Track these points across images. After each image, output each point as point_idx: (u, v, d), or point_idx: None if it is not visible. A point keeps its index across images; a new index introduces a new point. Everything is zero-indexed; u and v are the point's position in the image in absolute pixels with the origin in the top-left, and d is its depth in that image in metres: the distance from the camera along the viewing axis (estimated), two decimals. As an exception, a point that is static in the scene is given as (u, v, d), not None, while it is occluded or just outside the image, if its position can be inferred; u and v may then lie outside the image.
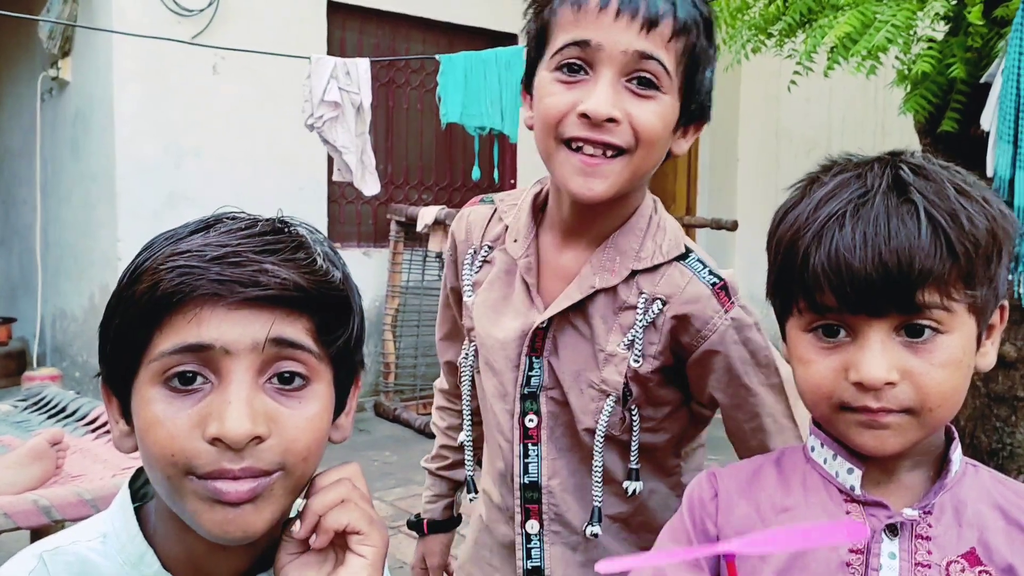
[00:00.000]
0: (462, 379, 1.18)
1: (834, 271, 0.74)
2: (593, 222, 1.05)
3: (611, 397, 1.03)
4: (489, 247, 1.15)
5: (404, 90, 5.95)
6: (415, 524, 1.41)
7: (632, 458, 1.06)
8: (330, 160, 4.77)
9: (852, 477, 0.82)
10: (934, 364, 0.74)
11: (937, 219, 0.73)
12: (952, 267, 0.73)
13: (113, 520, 0.74)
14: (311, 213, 5.25)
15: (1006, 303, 0.81)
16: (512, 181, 6.36)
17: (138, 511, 0.74)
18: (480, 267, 1.15)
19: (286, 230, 0.70)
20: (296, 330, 0.67)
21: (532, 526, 1.10)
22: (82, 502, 1.77)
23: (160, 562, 0.71)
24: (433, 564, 1.40)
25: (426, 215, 5.12)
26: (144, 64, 4.85)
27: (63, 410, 2.52)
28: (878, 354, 0.74)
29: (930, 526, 0.78)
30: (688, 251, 1.05)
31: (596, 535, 1.06)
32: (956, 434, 0.81)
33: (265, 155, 5.23)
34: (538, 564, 1.10)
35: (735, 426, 1.06)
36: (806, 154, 6.99)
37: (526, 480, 1.09)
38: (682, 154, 1.06)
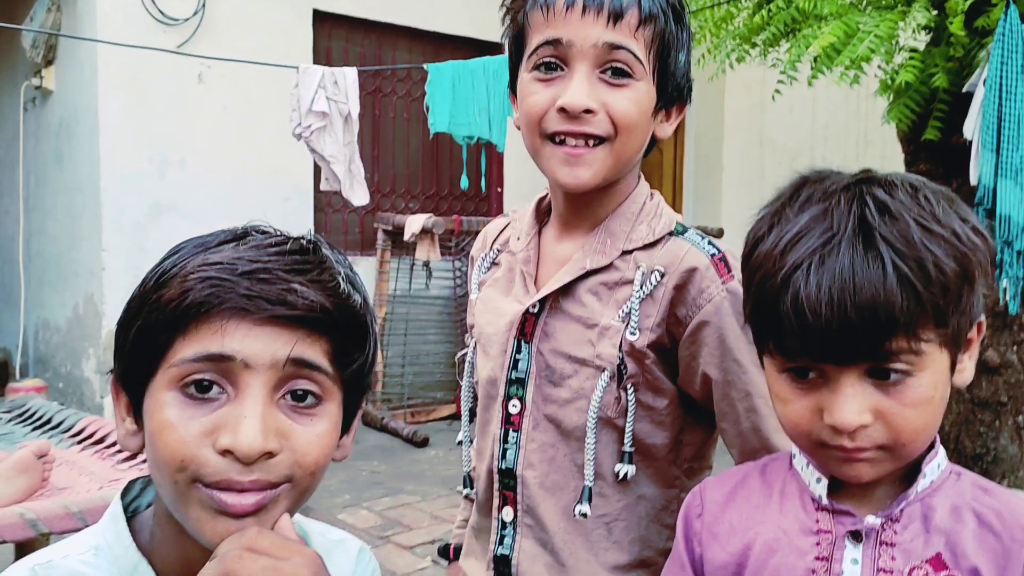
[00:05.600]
0: (463, 378, 1.20)
1: (800, 323, 0.73)
2: (586, 210, 1.08)
3: (606, 372, 1.02)
4: (498, 250, 1.20)
5: (391, 99, 5.96)
6: (444, 550, 1.38)
7: (626, 441, 1.04)
8: (317, 169, 4.77)
9: (820, 486, 0.84)
10: (905, 404, 0.75)
11: (903, 270, 0.72)
12: (920, 315, 0.72)
13: (105, 532, 0.73)
14: (298, 222, 5.24)
15: (982, 319, 0.81)
16: (499, 190, 6.38)
17: (130, 523, 0.74)
18: (488, 269, 1.20)
19: (313, 250, 0.71)
20: (315, 351, 0.68)
21: (507, 513, 1.09)
22: (69, 515, 1.75)
23: (155, 572, 0.71)
24: None
25: (413, 223, 5.13)
26: (129, 73, 4.83)
27: (48, 422, 2.50)
28: (849, 398, 0.74)
29: (896, 533, 0.80)
30: (686, 228, 1.08)
31: (585, 515, 1.04)
32: (937, 442, 0.82)
33: (251, 165, 5.21)
34: (507, 553, 1.09)
35: (728, 407, 1.03)
36: (790, 162, 7.05)
37: (503, 466, 1.09)
38: (666, 137, 1.09)
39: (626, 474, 1.04)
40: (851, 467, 0.78)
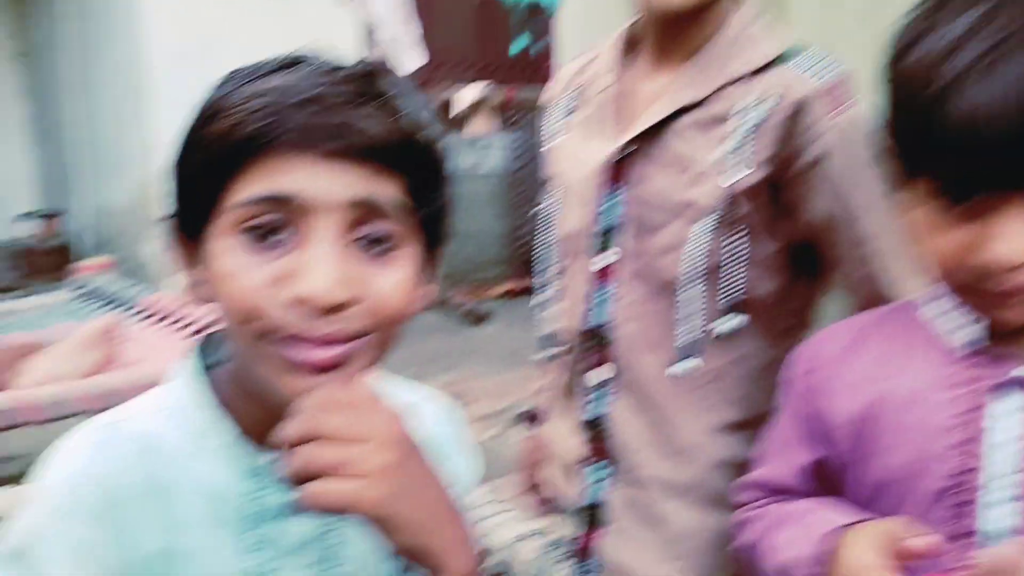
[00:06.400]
0: (540, 236, 1.13)
1: (965, 137, 0.63)
2: (680, 38, 0.98)
3: (706, 217, 0.94)
4: (578, 92, 1.10)
5: (438, -37, 5.67)
6: (522, 417, 1.34)
7: (729, 293, 0.96)
8: (366, 36, 4.61)
9: (966, 333, 0.74)
10: None
11: None
12: None
13: (178, 391, 0.69)
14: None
15: None
16: (549, 58, 6.12)
17: (208, 379, 0.70)
18: (567, 113, 1.11)
19: (379, 76, 0.63)
20: (388, 190, 0.60)
21: (599, 373, 1.04)
22: (139, 387, 1.77)
23: (238, 429, 0.67)
24: (538, 457, 1.31)
25: (464, 96, 4.97)
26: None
27: (115, 299, 2.52)
28: (1019, 230, 0.64)
29: None
30: (797, 51, 0.96)
31: (685, 373, 0.98)
32: None
33: (294, 38, 5.02)
34: (600, 415, 1.04)
35: (846, 251, 0.94)
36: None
37: (594, 324, 1.02)
38: None
39: (729, 328, 0.98)
40: (1010, 308, 0.68)
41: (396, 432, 0.58)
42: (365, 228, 0.60)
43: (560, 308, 1.11)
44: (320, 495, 0.55)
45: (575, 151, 1.06)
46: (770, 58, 0.95)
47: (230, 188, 0.59)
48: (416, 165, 0.62)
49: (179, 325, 2.22)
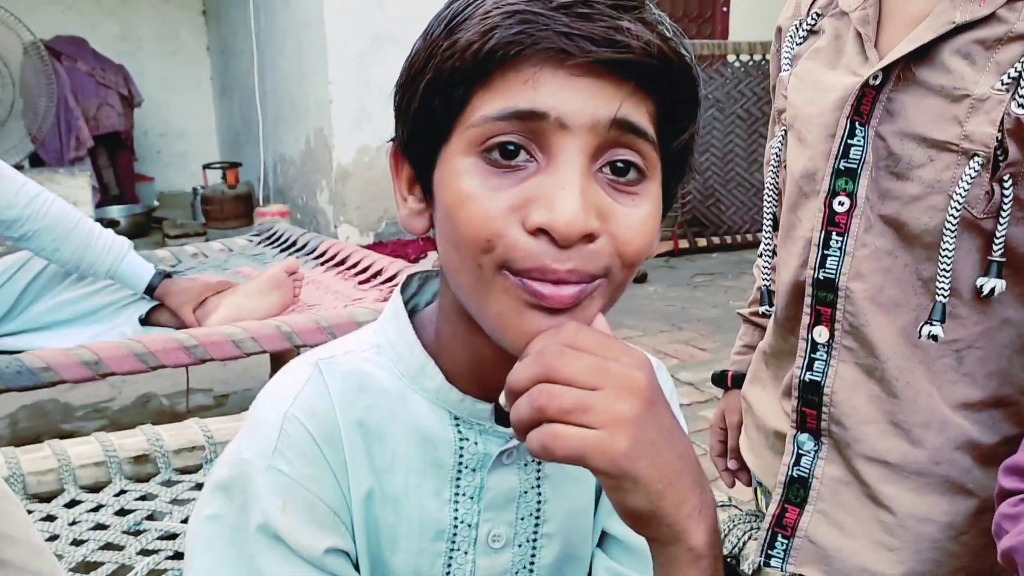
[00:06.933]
0: (767, 181, 1.01)
1: None
2: None
3: (977, 158, 0.80)
4: (818, 15, 0.96)
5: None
6: (719, 377, 1.25)
7: (995, 249, 0.83)
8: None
9: None
10: None
11: None
12: None
13: (387, 331, 0.67)
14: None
15: None
16: (724, 9, 5.81)
17: (412, 321, 0.66)
18: (805, 38, 0.97)
19: None
20: (642, 113, 0.55)
21: (820, 333, 0.91)
22: (320, 329, 1.81)
23: (443, 373, 0.64)
24: (733, 422, 1.23)
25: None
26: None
27: (294, 244, 2.61)
28: None
29: None
30: None
31: (935, 337, 0.85)
32: None
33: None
34: (818, 379, 0.92)
35: None
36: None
37: (821, 276, 0.90)
38: None
39: (992, 290, 0.83)
40: None
41: (643, 380, 0.52)
42: (614, 154, 0.54)
43: (781, 257, 1.00)
44: (552, 442, 0.49)
45: (814, 81, 0.92)
46: None
47: (473, 103, 0.54)
48: (672, 88, 0.55)
49: (355, 271, 2.26)
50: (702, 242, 5.31)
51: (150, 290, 1.96)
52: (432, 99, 0.56)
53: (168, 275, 1.98)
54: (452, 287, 0.60)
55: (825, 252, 0.90)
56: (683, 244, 5.26)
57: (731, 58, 5.07)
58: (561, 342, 0.52)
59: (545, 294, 0.53)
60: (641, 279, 4.72)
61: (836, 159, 0.88)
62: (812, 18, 0.96)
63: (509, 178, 0.54)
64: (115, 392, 3.05)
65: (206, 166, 6.40)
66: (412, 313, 0.68)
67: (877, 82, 0.85)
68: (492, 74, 0.53)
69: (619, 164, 0.55)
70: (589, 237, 0.53)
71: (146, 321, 2.03)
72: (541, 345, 0.52)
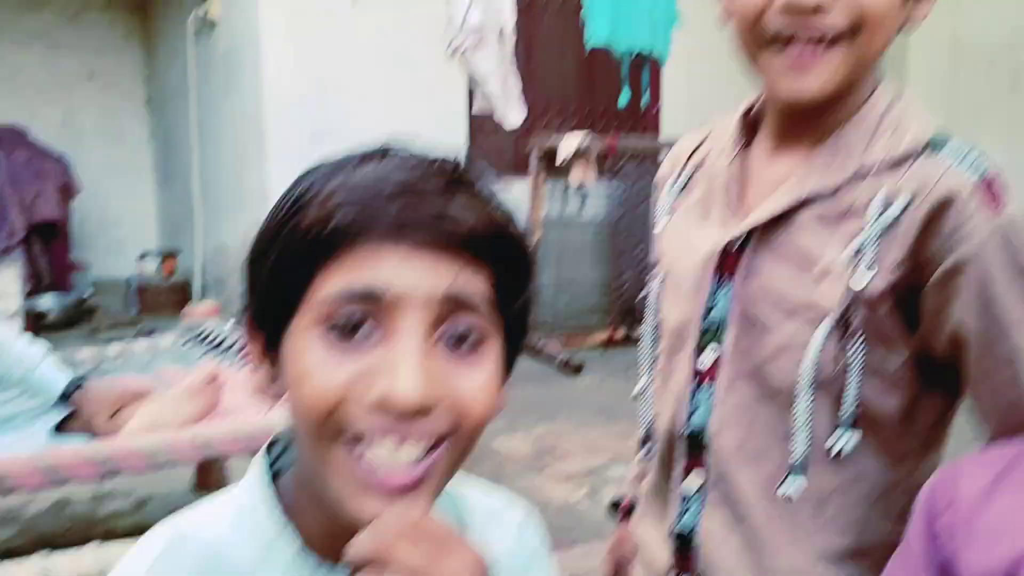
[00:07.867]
0: (645, 321, 1.05)
1: None
2: (810, 122, 0.89)
3: (826, 321, 0.84)
4: (692, 171, 1.02)
5: (544, 13, 5.73)
6: (615, 506, 1.25)
7: (846, 407, 0.86)
8: (470, 91, 4.68)
9: None
10: None
11: None
12: None
13: (246, 495, 0.67)
14: (451, 144, 5.23)
15: None
16: (656, 108, 6.07)
17: (276, 483, 0.67)
18: (679, 193, 1.03)
19: (465, 168, 0.60)
20: (477, 284, 0.58)
21: (692, 482, 0.94)
22: (237, 439, 1.79)
23: (301, 539, 0.64)
24: (627, 552, 1.21)
25: (567, 144, 4.97)
26: (287, 0, 4.89)
27: (222, 343, 2.60)
28: None
29: None
30: (944, 140, 0.85)
31: (790, 497, 0.88)
32: None
33: (405, 87, 5.20)
34: (690, 530, 0.95)
35: (986, 372, 0.83)
36: (987, 68, 6.28)
37: (690, 427, 0.94)
38: (923, 18, 0.88)
39: (845, 446, 0.87)
40: None
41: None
42: (452, 323, 0.57)
43: (658, 404, 1.04)
44: None
45: (685, 235, 0.98)
46: (918, 145, 0.84)
47: (316, 282, 0.56)
48: (506, 258, 0.59)
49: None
50: (638, 333, 5.39)
51: (65, 397, 1.93)
52: (279, 276, 0.58)
53: (81, 383, 1.95)
54: (301, 455, 0.62)
55: (693, 404, 0.93)
56: (619, 335, 5.34)
57: (662, 155, 5.27)
58: (401, 529, 0.53)
59: (382, 479, 0.55)
60: (576, 370, 4.77)
61: (703, 314, 0.92)
62: (687, 173, 1.02)
63: (351, 353, 0.56)
64: (30, 497, 2.94)
65: (142, 255, 6.34)
66: (277, 475, 0.68)
67: (740, 243, 0.90)
68: (335, 253, 0.56)
69: (458, 333, 0.57)
70: (430, 408, 0.55)
71: (62, 427, 1.99)
72: (380, 526, 0.54)
